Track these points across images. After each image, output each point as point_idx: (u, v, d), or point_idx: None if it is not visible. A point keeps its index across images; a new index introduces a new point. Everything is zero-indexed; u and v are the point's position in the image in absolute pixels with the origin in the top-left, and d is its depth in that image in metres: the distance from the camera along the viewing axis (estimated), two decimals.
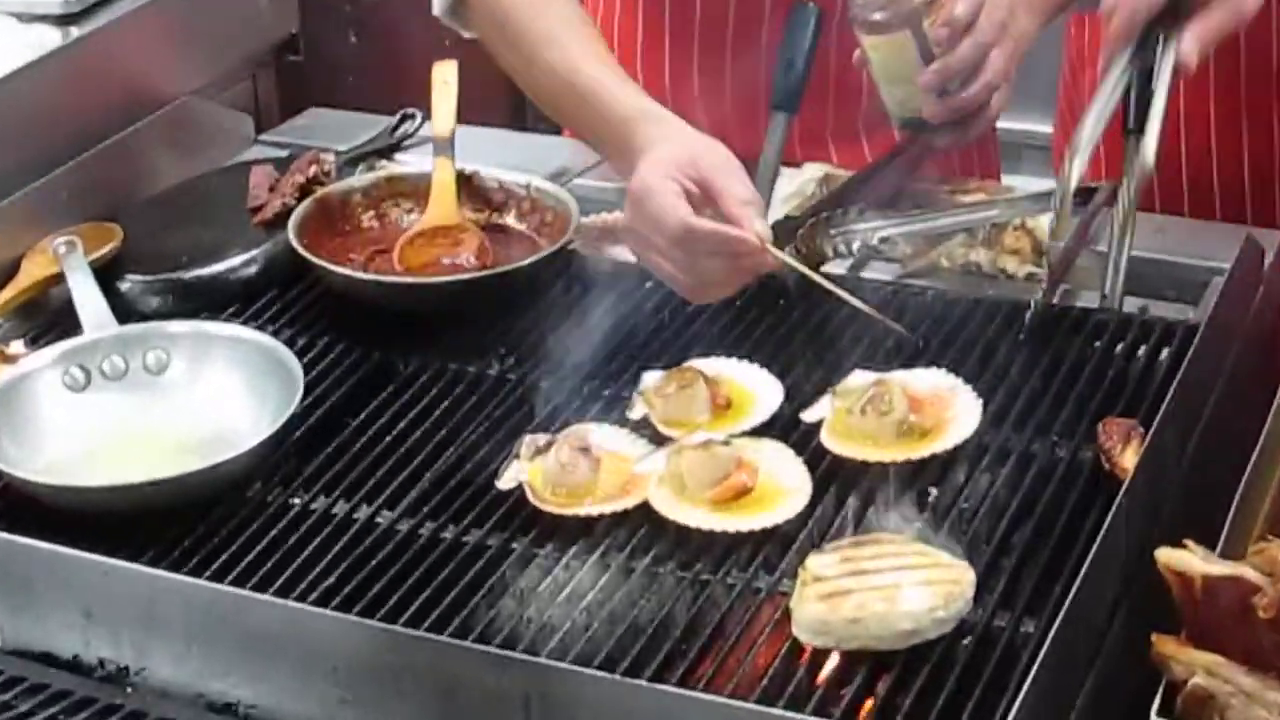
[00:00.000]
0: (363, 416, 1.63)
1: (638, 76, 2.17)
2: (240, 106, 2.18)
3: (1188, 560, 1.23)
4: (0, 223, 1.84)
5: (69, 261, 1.77)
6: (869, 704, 1.29)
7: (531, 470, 1.51)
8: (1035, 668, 1.20)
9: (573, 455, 1.51)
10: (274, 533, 1.47)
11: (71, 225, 1.85)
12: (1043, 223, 1.88)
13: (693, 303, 1.74)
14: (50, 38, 2.07)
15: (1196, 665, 1.19)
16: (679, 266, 1.67)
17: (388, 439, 1.61)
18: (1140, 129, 1.81)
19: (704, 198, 1.64)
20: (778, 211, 1.88)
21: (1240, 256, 1.72)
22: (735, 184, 1.64)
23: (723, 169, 1.65)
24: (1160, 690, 1.19)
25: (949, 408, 1.58)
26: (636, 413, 1.60)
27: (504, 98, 3.03)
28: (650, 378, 1.63)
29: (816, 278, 1.67)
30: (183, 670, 1.34)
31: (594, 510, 1.48)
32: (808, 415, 1.59)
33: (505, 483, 1.52)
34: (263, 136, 2.15)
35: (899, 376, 1.60)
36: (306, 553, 1.45)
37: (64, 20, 2.09)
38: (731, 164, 1.67)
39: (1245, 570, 1.21)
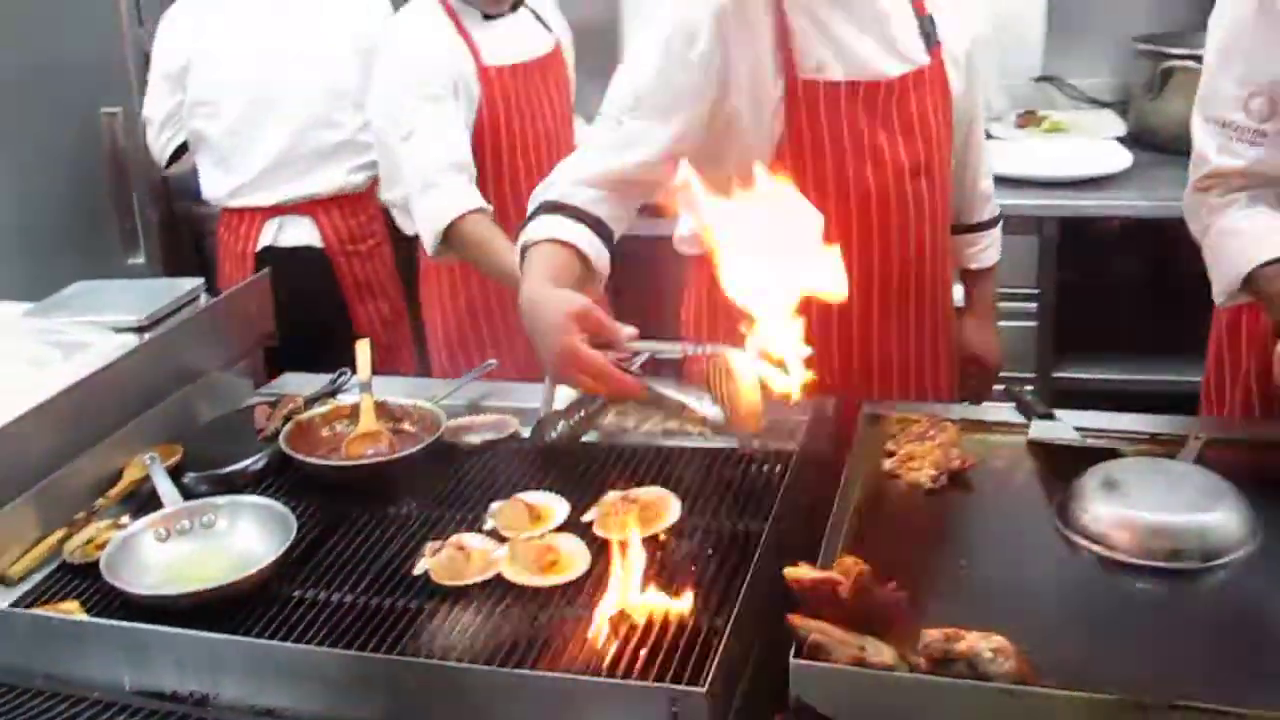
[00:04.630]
0: (329, 544, 1.63)
1: None
2: (245, 373, 2.12)
3: (801, 571, 1.29)
4: (110, 451, 1.79)
5: (153, 468, 1.76)
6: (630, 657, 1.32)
7: (432, 562, 1.53)
8: (725, 636, 1.25)
9: (455, 551, 1.54)
10: (285, 615, 1.48)
11: (153, 447, 1.82)
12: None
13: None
14: (132, 340, 2.13)
15: (812, 629, 1.24)
16: None
17: (348, 553, 1.60)
18: None
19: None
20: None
21: (814, 413, 1.74)
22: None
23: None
24: (793, 645, 1.23)
25: (665, 507, 1.61)
26: (489, 525, 1.63)
27: (402, 354, 3.07)
28: (495, 505, 1.66)
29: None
30: (243, 692, 1.32)
31: (470, 581, 1.50)
32: (585, 517, 1.62)
33: (418, 568, 1.54)
34: (259, 390, 2.11)
35: (634, 491, 1.63)
36: (305, 621, 1.46)
37: (140, 329, 2.20)
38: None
39: (832, 573, 1.27)
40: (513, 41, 2.38)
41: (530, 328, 1.50)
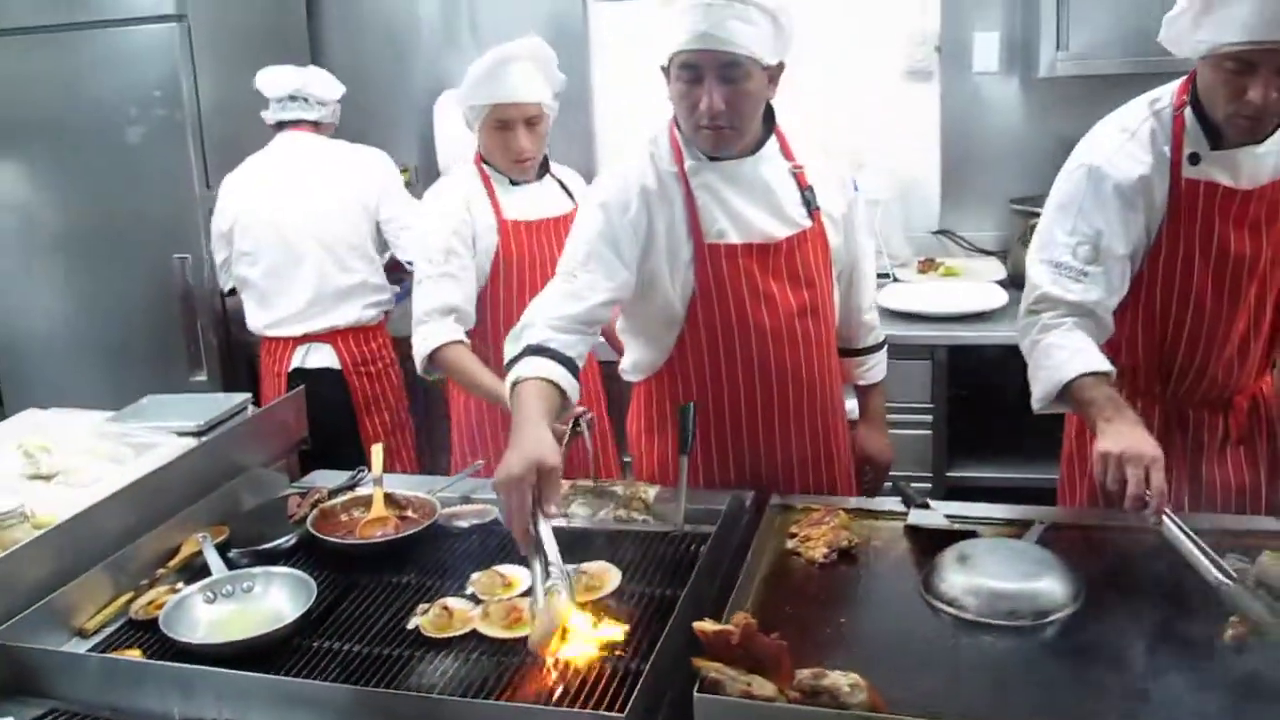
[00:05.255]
0: (343, 606, 1.65)
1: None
2: (282, 470, 2.16)
3: (707, 625, 1.35)
4: (171, 530, 1.83)
5: (205, 544, 1.80)
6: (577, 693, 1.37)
7: (423, 619, 1.57)
8: (645, 675, 1.31)
9: (441, 610, 1.58)
10: (305, 660, 1.51)
11: (205, 528, 1.87)
12: (649, 494, 1.86)
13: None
14: (191, 442, 2.17)
15: (711, 669, 1.29)
16: None
17: (357, 613, 1.63)
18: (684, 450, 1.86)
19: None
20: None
21: (730, 503, 1.81)
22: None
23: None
24: (697, 682, 1.28)
25: (609, 577, 1.66)
26: (469, 590, 1.66)
27: (401, 455, 3.14)
28: (475, 575, 1.70)
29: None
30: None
31: (452, 634, 1.54)
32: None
33: (411, 624, 1.58)
34: (293, 483, 2.14)
35: (584, 564, 1.67)
36: (322, 665, 1.49)
37: (198, 434, 2.23)
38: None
39: (728, 627, 1.33)
40: (534, 203, 2.48)
41: (512, 440, 1.54)
